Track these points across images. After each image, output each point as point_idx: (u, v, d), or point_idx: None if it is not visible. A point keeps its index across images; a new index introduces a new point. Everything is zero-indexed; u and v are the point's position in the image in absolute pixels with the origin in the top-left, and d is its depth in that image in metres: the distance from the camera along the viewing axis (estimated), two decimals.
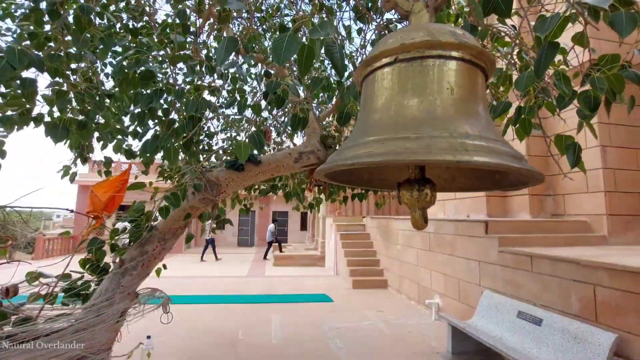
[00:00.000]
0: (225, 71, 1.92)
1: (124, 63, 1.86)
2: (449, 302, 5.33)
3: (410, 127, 0.56)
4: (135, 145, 3.22)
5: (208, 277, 9.44)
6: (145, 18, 2.24)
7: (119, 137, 3.05)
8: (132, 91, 1.81)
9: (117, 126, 3.02)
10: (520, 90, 1.15)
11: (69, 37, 1.99)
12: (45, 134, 2.10)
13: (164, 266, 2.50)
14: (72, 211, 2.32)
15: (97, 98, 2.07)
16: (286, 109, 2.91)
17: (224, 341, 4.52)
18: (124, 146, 2.95)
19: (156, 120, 1.99)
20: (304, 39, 0.97)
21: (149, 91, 1.89)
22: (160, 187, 2.36)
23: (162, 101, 2.03)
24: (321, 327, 5.16)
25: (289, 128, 2.27)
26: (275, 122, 3.33)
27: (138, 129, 2.82)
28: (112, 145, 3.10)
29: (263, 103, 2.17)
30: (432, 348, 4.37)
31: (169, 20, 2.26)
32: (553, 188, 5.65)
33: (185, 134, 1.75)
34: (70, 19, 1.99)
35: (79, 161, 2.94)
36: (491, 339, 3.55)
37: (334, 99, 3.02)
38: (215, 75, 2.12)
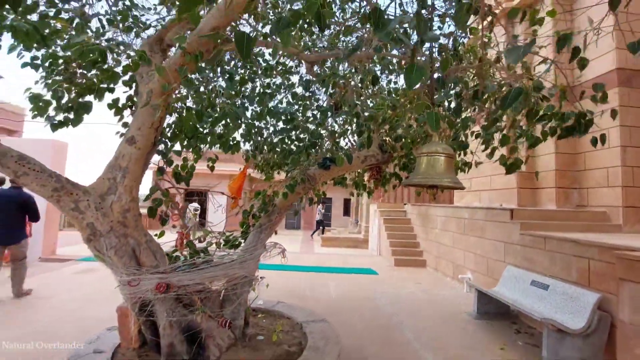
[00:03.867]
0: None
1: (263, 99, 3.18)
2: (478, 276, 6.32)
3: (429, 175, 1.91)
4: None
5: None
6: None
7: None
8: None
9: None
10: (504, 109, 2.26)
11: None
12: (220, 147, 3.46)
13: (275, 231, 3.82)
14: (222, 193, 3.70)
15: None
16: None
17: (296, 295, 5.90)
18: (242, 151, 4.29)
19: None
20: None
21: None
22: (276, 181, 3.67)
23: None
24: (368, 290, 6.40)
25: (364, 144, 3.45)
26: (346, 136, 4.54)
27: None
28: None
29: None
30: (461, 310, 5.45)
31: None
32: (579, 182, 6.35)
33: (308, 150, 3.02)
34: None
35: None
36: (509, 300, 4.56)
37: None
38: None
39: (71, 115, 2.86)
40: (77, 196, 2.31)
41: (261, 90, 3.13)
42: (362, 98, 3.85)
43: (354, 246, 13.37)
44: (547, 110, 2.15)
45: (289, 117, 2.86)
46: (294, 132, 3.23)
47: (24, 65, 2.63)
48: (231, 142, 3.37)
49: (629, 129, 5.57)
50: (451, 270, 7.44)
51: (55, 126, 2.82)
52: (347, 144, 4.68)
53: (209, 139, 3.07)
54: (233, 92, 3.32)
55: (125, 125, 3.27)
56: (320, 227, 16.44)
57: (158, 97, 2.54)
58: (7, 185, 5.37)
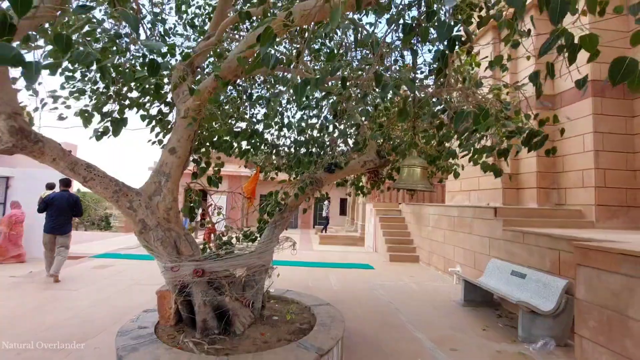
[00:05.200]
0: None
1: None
2: (466, 269, 6.90)
3: (408, 182, 2.62)
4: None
5: None
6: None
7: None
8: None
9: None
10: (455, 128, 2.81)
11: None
12: (239, 156, 3.97)
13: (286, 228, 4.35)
14: (240, 193, 4.22)
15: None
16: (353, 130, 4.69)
17: (300, 287, 6.42)
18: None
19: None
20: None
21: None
22: (286, 182, 4.20)
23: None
24: (366, 283, 6.95)
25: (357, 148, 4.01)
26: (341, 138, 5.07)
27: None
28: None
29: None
30: (450, 298, 6.01)
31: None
32: (558, 183, 6.95)
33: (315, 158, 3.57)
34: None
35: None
36: (492, 288, 5.13)
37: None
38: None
39: (109, 126, 3.40)
40: (131, 197, 2.82)
41: (273, 104, 3.67)
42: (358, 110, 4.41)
43: (351, 244, 13.92)
44: (512, 127, 2.71)
45: (301, 129, 3.41)
46: (304, 143, 3.78)
47: (80, 91, 3.14)
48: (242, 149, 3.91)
49: (602, 135, 6.17)
50: (442, 265, 8.01)
51: (99, 136, 3.34)
52: (347, 149, 5.23)
53: (234, 149, 3.59)
54: (248, 105, 3.85)
55: (156, 133, 3.80)
56: (326, 224, 17.25)
57: (194, 113, 3.06)
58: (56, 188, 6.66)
